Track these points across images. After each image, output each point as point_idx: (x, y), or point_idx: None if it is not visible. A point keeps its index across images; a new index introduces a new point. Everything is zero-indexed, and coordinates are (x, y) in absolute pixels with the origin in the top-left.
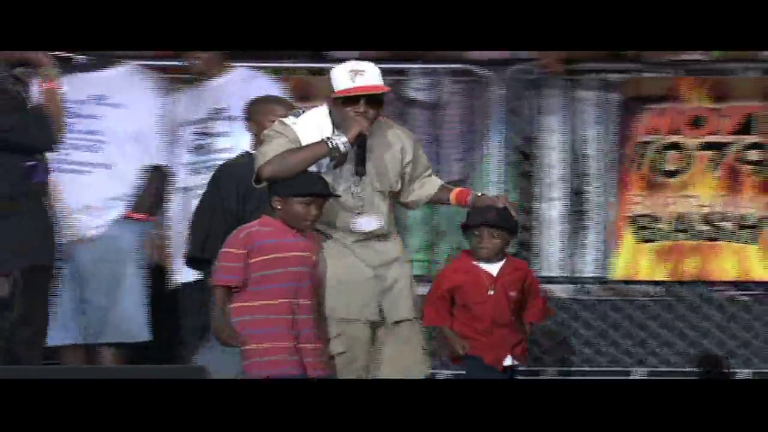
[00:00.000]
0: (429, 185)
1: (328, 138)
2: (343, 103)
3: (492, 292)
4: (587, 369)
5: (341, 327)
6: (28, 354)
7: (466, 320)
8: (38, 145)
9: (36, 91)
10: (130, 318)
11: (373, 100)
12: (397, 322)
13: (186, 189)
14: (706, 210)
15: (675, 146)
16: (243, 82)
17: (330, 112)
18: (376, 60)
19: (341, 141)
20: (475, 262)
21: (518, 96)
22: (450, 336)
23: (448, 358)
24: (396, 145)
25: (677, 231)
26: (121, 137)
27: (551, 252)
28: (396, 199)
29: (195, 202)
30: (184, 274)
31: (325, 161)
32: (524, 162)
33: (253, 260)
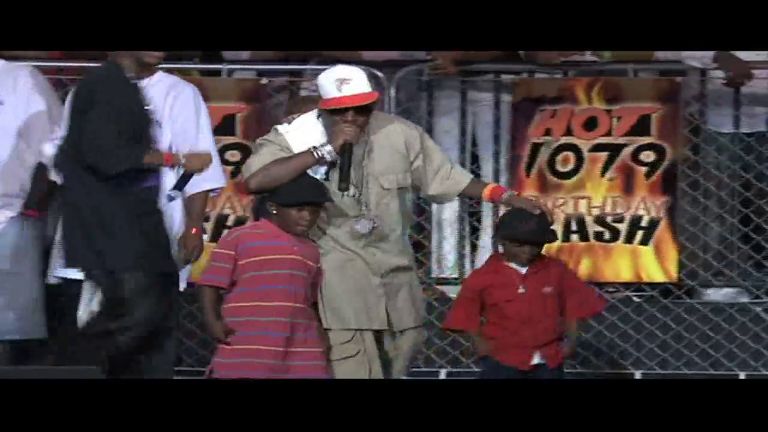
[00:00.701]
0: (458, 178)
1: (315, 147)
2: (331, 112)
3: (523, 290)
4: (479, 370)
5: (351, 334)
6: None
7: (497, 319)
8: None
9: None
10: (26, 315)
11: (361, 107)
12: (401, 331)
13: None
14: (600, 211)
15: (568, 147)
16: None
17: (319, 117)
18: (269, 60)
19: (327, 150)
20: (504, 263)
21: (411, 97)
22: (474, 338)
23: (475, 357)
24: (398, 139)
25: (571, 232)
26: (5, 134)
27: (444, 253)
28: (422, 194)
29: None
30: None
31: (322, 169)
32: None
33: (242, 262)
